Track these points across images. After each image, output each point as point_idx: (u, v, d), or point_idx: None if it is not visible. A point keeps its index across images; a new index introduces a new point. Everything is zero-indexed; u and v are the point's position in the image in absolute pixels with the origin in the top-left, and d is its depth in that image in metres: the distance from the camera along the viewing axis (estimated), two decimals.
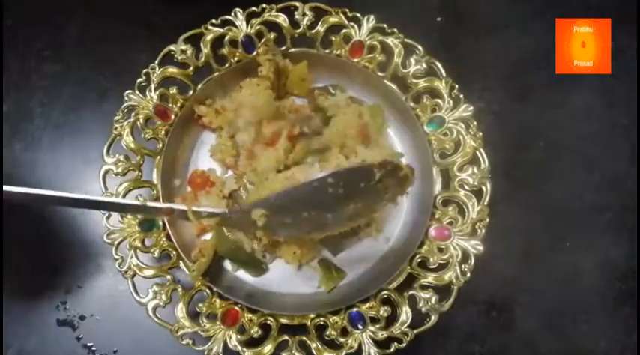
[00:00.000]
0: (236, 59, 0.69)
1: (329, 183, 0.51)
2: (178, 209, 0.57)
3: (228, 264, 0.66)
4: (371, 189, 0.53)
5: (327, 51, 0.70)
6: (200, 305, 0.59)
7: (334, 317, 0.60)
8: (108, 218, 0.60)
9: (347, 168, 0.51)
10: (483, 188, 0.63)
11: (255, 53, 0.69)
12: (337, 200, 0.53)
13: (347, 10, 0.69)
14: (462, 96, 0.67)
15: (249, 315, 0.59)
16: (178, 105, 0.67)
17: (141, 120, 0.64)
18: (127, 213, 0.60)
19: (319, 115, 0.68)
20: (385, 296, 0.61)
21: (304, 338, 0.58)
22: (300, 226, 0.56)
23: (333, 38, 0.69)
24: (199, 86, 0.68)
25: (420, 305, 0.59)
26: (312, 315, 0.60)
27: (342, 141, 0.65)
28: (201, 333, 0.57)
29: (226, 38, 0.68)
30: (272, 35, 0.69)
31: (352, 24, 0.69)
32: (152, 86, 0.66)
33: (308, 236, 0.60)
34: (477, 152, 0.65)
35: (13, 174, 0.71)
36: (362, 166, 0.51)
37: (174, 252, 0.61)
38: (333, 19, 0.69)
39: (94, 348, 0.64)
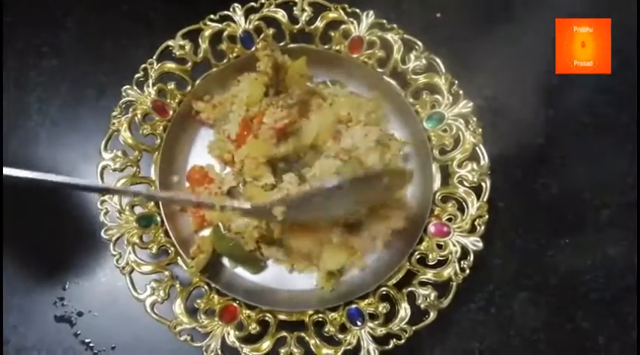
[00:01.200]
0: (234, 55, 0.69)
1: (341, 188, 0.55)
2: (206, 202, 0.60)
3: (226, 261, 0.65)
4: (378, 189, 0.58)
5: (326, 46, 0.70)
6: (198, 301, 0.59)
7: (333, 314, 0.60)
8: (105, 214, 0.60)
9: (359, 177, 0.56)
10: (483, 184, 0.63)
11: (253, 49, 0.68)
12: (347, 199, 0.58)
13: (346, 6, 0.69)
14: (461, 92, 0.66)
15: (248, 312, 0.59)
16: (176, 100, 0.67)
17: (139, 116, 0.64)
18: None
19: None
20: (384, 292, 0.60)
21: (303, 334, 0.58)
22: (312, 217, 0.62)
23: (333, 34, 0.69)
24: (197, 82, 0.68)
25: (419, 301, 0.59)
26: (310, 312, 0.60)
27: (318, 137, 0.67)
28: (200, 329, 0.57)
29: (225, 34, 0.68)
30: (271, 31, 0.68)
31: (351, 19, 0.69)
32: (150, 82, 0.65)
33: (315, 222, 0.63)
34: (477, 148, 0.64)
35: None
36: (372, 174, 0.58)
37: (172, 248, 0.61)
38: (332, 15, 0.69)
39: (91, 344, 0.64)
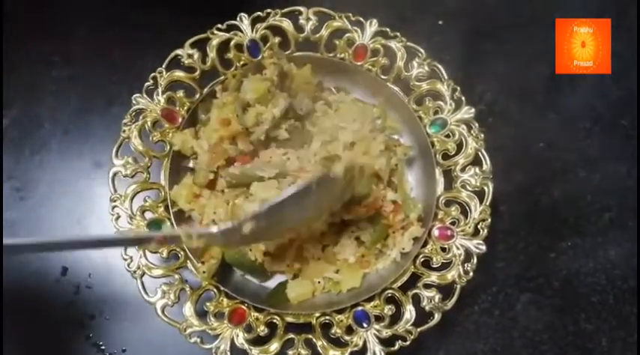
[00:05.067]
0: (241, 63, 0.70)
1: (305, 193, 0.54)
2: (170, 235, 0.57)
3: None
4: (340, 190, 0.59)
5: (331, 54, 0.71)
6: (207, 304, 0.60)
7: (339, 316, 0.61)
8: (117, 219, 0.61)
9: (319, 178, 0.55)
10: (485, 188, 0.64)
11: (260, 57, 0.70)
12: (315, 202, 0.57)
13: (350, 15, 0.70)
14: (463, 98, 0.68)
15: (256, 314, 0.60)
16: (185, 108, 0.68)
17: (149, 124, 0.65)
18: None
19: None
20: (389, 295, 0.61)
21: (310, 336, 0.59)
22: (282, 229, 0.61)
23: (337, 42, 0.71)
24: (205, 90, 0.69)
25: (424, 303, 0.60)
26: (317, 314, 0.61)
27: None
28: (209, 332, 0.58)
29: (232, 42, 0.69)
30: (277, 39, 0.70)
31: (355, 28, 0.70)
32: (159, 90, 0.67)
33: (287, 234, 0.63)
34: (479, 153, 0.66)
35: (24, 177, 0.72)
36: (326, 177, 0.56)
37: (182, 253, 0.62)
38: (336, 24, 0.70)
39: (103, 347, 0.65)
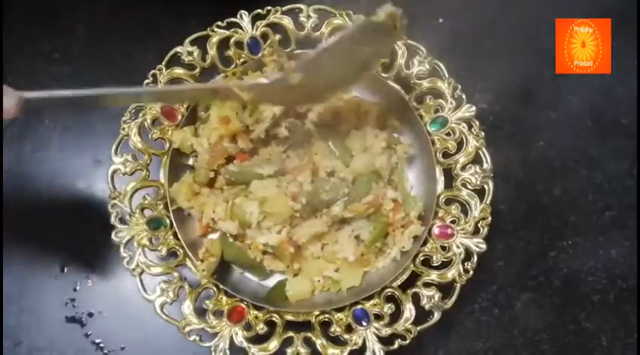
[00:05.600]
0: (242, 61, 0.70)
1: (352, 38, 0.56)
2: (222, 87, 0.59)
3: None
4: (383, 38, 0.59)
5: None
6: (207, 302, 0.60)
7: (339, 314, 0.61)
8: (116, 217, 0.61)
9: (363, 24, 0.57)
10: (486, 187, 0.64)
11: (260, 54, 0.70)
12: (353, 54, 0.58)
13: (351, 12, 0.70)
14: (464, 96, 0.68)
15: (255, 312, 0.60)
16: (185, 105, 0.68)
17: (148, 121, 0.65)
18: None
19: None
20: (389, 293, 0.61)
21: (309, 334, 0.59)
22: (326, 87, 0.61)
23: None
24: None
25: (424, 302, 0.60)
26: (316, 312, 0.61)
27: None
28: (208, 330, 0.58)
29: (232, 40, 0.69)
30: (277, 37, 0.70)
31: None
32: (159, 87, 0.66)
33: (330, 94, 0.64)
34: (480, 151, 0.65)
35: (24, 173, 0.72)
36: (374, 22, 0.56)
37: (180, 251, 0.62)
38: (337, 21, 0.70)
39: (102, 345, 0.65)
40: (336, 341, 0.59)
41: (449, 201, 0.65)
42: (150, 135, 0.65)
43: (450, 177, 0.66)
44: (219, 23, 0.69)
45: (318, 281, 0.65)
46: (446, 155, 0.67)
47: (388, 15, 0.55)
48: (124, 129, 0.64)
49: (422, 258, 0.63)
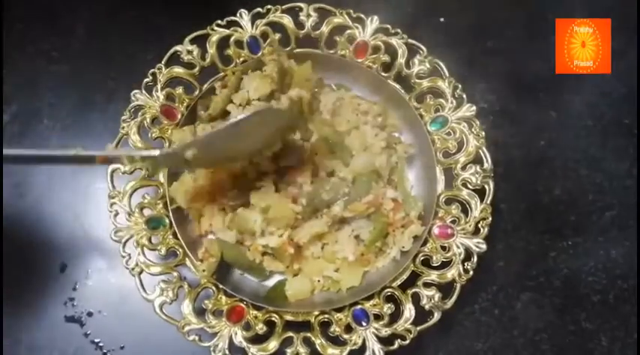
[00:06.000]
0: (241, 59, 0.70)
1: (249, 122, 0.56)
2: (112, 155, 0.58)
3: None
4: (279, 126, 0.60)
5: (331, 51, 0.71)
6: (206, 302, 0.60)
7: (338, 315, 0.60)
8: (115, 216, 0.61)
9: (263, 110, 0.58)
10: (486, 187, 0.64)
11: (260, 53, 0.69)
12: (257, 134, 0.59)
13: (351, 11, 0.70)
14: (464, 96, 0.67)
15: (254, 312, 0.60)
16: (184, 104, 0.68)
17: (147, 120, 0.65)
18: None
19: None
20: (389, 293, 0.61)
21: (309, 334, 0.59)
22: (224, 157, 0.61)
23: (338, 39, 0.70)
24: (205, 86, 0.69)
25: (424, 302, 0.60)
26: (316, 312, 0.61)
27: None
28: (207, 330, 0.58)
29: (232, 39, 0.69)
30: (277, 36, 0.69)
31: (356, 24, 0.70)
32: (158, 86, 0.66)
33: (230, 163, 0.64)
34: (480, 151, 0.65)
35: (22, 172, 0.72)
36: (275, 109, 0.59)
37: (180, 250, 0.62)
38: (337, 20, 0.70)
39: (101, 344, 0.65)
40: (336, 341, 0.59)
41: (449, 201, 0.65)
42: (149, 135, 0.65)
43: (450, 176, 0.66)
44: (219, 22, 0.69)
45: (318, 281, 0.65)
46: (446, 154, 0.67)
47: (293, 102, 0.58)
48: (123, 128, 0.64)
49: (422, 258, 0.63)
